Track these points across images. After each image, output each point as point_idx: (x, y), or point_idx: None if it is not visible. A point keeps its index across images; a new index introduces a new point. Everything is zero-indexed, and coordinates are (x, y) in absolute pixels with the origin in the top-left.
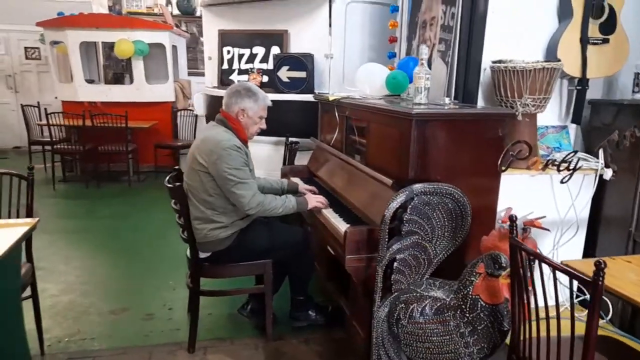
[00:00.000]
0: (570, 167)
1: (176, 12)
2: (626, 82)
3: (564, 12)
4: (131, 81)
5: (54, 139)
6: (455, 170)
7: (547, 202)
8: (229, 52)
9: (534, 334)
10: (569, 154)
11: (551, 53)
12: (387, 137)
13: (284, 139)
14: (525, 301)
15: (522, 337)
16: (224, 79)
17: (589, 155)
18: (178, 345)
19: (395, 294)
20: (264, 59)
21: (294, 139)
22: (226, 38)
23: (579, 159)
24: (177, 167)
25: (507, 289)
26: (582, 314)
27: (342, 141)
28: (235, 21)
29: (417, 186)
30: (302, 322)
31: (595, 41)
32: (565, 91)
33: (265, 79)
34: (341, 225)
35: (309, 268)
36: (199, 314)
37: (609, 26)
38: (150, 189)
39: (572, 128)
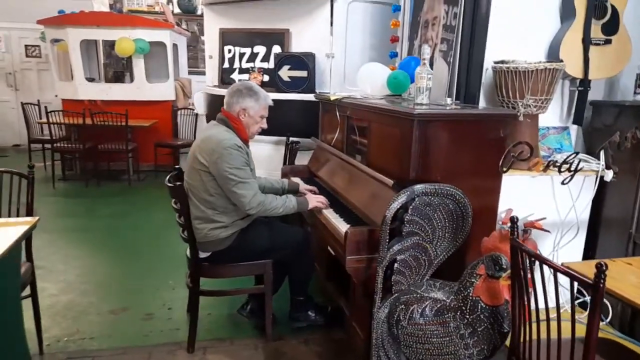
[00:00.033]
0: (572, 169)
1: (177, 10)
2: (628, 83)
3: (567, 13)
4: (131, 80)
5: (54, 137)
6: (457, 171)
7: (548, 203)
8: (230, 51)
9: (534, 336)
10: (570, 155)
11: (553, 53)
12: (389, 137)
13: (284, 138)
14: (526, 303)
15: (522, 339)
16: (224, 78)
17: (590, 157)
18: (177, 345)
19: (396, 295)
20: (265, 58)
21: (294, 139)
22: (227, 37)
23: (580, 160)
24: (177, 166)
25: (508, 291)
26: (582, 316)
27: (343, 141)
28: (237, 20)
29: (418, 187)
30: (302, 322)
31: (597, 42)
32: (567, 92)
33: (266, 78)
34: (342, 226)
35: (309, 268)
36: (199, 314)
37: (612, 27)
38: (150, 188)
39: (574, 129)
